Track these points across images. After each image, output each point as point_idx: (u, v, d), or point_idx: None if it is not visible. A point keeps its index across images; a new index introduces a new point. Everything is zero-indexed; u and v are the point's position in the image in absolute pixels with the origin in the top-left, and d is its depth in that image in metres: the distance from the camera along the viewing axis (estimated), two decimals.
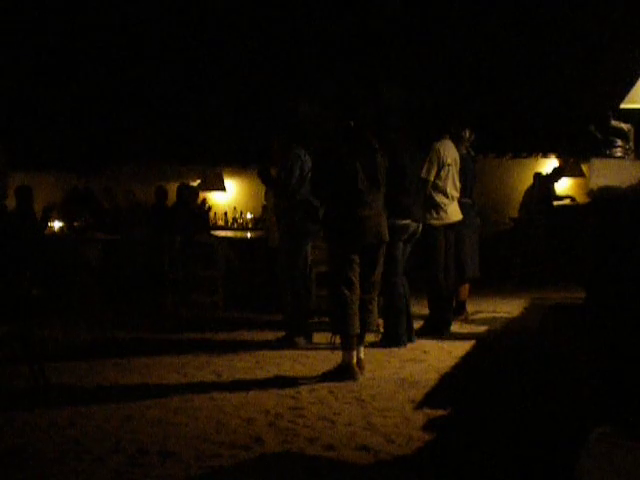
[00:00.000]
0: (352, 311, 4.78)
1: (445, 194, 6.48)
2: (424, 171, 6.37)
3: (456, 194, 6.61)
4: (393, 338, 5.87)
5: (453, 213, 6.57)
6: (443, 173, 6.45)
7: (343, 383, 4.65)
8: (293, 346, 5.93)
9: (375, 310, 5.03)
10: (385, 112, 6.07)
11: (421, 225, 6.07)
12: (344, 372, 4.78)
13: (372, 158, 4.91)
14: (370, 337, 5.97)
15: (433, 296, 6.52)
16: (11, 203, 7.75)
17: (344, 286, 4.77)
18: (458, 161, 6.62)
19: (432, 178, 6.40)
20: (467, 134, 7.03)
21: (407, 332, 5.97)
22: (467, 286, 7.21)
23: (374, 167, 4.90)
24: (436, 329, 6.37)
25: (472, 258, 7.17)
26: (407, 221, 5.88)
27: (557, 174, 11.01)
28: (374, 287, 4.97)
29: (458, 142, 6.85)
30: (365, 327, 4.92)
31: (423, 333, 6.33)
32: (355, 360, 4.82)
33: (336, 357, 5.43)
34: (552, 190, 10.91)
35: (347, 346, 4.80)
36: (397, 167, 5.89)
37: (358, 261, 4.83)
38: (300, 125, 6.21)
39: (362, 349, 4.96)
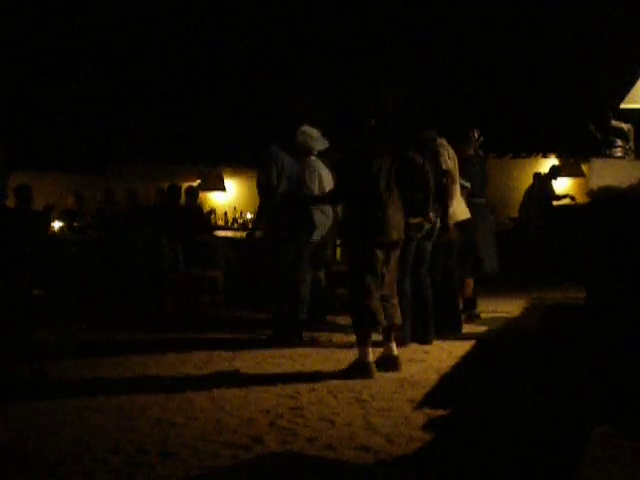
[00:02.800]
0: (375, 307, 4.84)
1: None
2: (443, 164, 6.29)
3: (458, 191, 6.56)
4: (397, 339, 5.84)
5: (461, 212, 6.51)
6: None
7: (343, 383, 4.65)
8: (279, 346, 5.88)
9: (397, 305, 5.09)
10: (390, 112, 6.07)
11: (438, 221, 6.04)
12: (359, 369, 4.80)
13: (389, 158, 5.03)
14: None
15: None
16: (10, 203, 7.75)
17: (369, 282, 4.83)
18: (456, 159, 6.58)
19: (451, 167, 6.34)
20: (476, 135, 7.03)
21: (423, 332, 5.96)
22: (471, 283, 7.19)
23: (392, 167, 5.04)
24: (437, 328, 6.34)
25: (490, 256, 7.19)
26: (420, 219, 5.86)
27: (554, 173, 11.01)
28: (392, 284, 5.06)
29: (467, 143, 6.85)
30: (392, 322, 5.00)
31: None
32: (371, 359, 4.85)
33: (335, 356, 5.44)
34: (551, 189, 10.91)
35: (362, 342, 4.83)
36: (410, 166, 5.88)
37: (381, 258, 4.92)
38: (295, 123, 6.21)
39: (394, 345, 5.01)
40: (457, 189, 6.57)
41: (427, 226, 5.89)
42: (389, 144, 5.11)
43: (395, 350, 5.01)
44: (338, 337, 6.32)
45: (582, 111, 9.49)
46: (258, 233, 8.14)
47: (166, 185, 9.60)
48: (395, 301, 5.08)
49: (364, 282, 4.84)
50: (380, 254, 4.89)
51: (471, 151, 7.00)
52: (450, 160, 6.44)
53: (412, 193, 5.77)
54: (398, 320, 5.06)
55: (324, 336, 6.35)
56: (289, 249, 6.11)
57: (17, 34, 10.47)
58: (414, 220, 5.80)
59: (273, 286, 6.18)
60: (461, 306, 6.99)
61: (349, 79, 10.47)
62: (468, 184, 6.84)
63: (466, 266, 6.94)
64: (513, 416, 3.89)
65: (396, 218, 4.98)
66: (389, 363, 4.95)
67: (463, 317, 6.83)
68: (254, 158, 6.52)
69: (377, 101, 5.87)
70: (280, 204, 6.07)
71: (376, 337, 5.11)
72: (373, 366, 4.83)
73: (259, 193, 6.22)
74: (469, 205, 6.76)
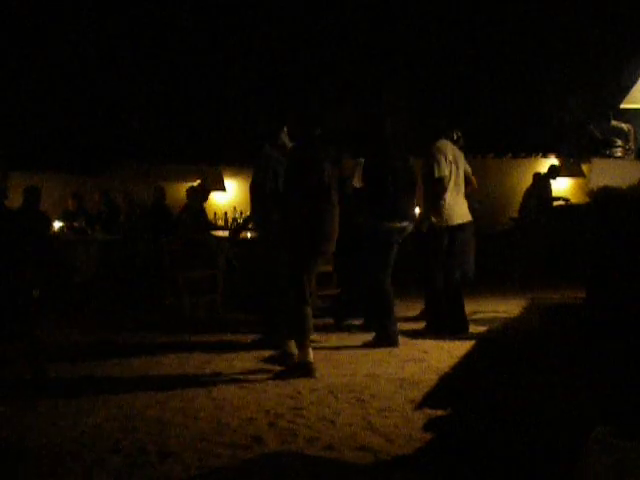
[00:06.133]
0: (309, 312, 4.94)
1: (451, 192, 6.42)
2: (436, 171, 6.26)
3: (461, 192, 6.52)
4: (385, 338, 5.85)
5: (462, 214, 6.48)
6: (447, 171, 6.39)
7: (343, 383, 4.66)
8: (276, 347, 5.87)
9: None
10: (384, 115, 6.08)
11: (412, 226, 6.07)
12: (301, 369, 4.87)
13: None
14: (364, 337, 6.00)
15: (430, 298, 6.48)
16: (12, 203, 7.74)
17: (306, 290, 4.94)
18: (459, 160, 6.55)
19: (447, 174, 6.31)
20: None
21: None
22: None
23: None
24: (437, 329, 6.34)
25: (468, 261, 7.17)
26: (405, 223, 5.88)
27: (553, 172, 11.01)
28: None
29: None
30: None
31: (425, 333, 6.32)
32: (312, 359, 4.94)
33: (335, 356, 5.44)
34: (549, 189, 10.90)
35: (303, 345, 4.92)
36: (391, 170, 5.90)
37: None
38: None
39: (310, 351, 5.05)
40: (461, 189, 6.54)
41: (408, 230, 5.93)
42: (334, 152, 5.19)
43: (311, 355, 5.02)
44: (338, 337, 6.32)
45: (582, 111, 9.50)
46: (244, 233, 8.10)
47: (165, 185, 9.63)
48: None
49: (304, 289, 4.93)
50: (316, 263, 5.01)
51: None
52: (452, 162, 6.41)
53: (394, 197, 5.81)
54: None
55: (323, 336, 6.35)
56: (280, 251, 6.09)
57: (17, 35, 10.47)
58: (397, 224, 5.83)
59: (265, 287, 6.18)
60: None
61: (351, 81, 10.48)
62: None
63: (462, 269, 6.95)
64: (513, 416, 3.89)
65: (334, 228, 5.06)
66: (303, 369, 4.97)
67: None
68: (250, 158, 6.47)
69: (379, 103, 5.88)
70: (274, 206, 6.04)
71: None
72: (313, 365, 4.90)
73: (252, 194, 6.19)
74: None
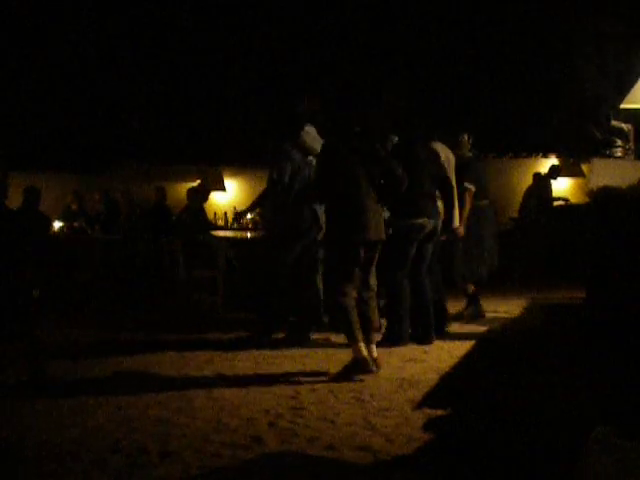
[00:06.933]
0: (352, 307, 4.82)
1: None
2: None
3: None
4: (394, 338, 5.84)
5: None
6: None
7: (344, 383, 4.65)
8: (266, 346, 5.87)
9: (376, 307, 5.06)
10: (398, 114, 6.09)
11: (440, 223, 6.03)
12: (358, 366, 4.75)
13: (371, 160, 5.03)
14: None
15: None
16: (12, 203, 7.74)
17: (346, 283, 4.82)
18: (452, 161, 6.58)
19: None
20: (466, 138, 7.03)
21: (423, 332, 5.95)
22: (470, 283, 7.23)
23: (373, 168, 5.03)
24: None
25: (493, 252, 7.29)
26: (423, 220, 5.85)
27: (554, 172, 11.02)
28: (372, 285, 5.01)
29: (457, 147, 6.85)
30: (370, 325, 4.95)
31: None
32: (366, 354, 4.80)
33: (335, 356, 5.44)
34: (549, 189, 10.91)
35: (353, 339, 4.78)
36: (412, 167, 5.88)
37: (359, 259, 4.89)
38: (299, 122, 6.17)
39: (374, 347, 4.96)
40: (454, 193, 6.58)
41: (429, 227, 5.88)
42: (373, 148, 5.12)
43: (374, 351, 4.94)
44: (338, 337, 6.32)
45: (582, 111, 9.50)
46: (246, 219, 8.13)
47: (165, 185, 9.62)
48: (374, 303, 5.04)
49: (341, 281, 4.84)
50: (358, 254, 4.86)
51: (468, 153, 7.00)
52: (445, 162, 6.43)
53: (412, 194, 5.78)
54: (375, 322, 5.01)
55: (324, 336, 6.35)
56: (294, 249, 6.06)
57: (17, 35, 10.48)
58: (416, 221, 5.81)
59: (271, 285, 6.14)
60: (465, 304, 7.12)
61: (351, 80, 10.49)
62: (472, 186, 6.84)
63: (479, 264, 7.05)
64: (513, 416, 3.89)
65: (375, 219, 4.95)
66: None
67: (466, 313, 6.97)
68: (265, 156, 6.43)
69: (379, 103, 5.88)
70: (293, 203, 6.00)
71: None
72: (370, 360, 4.78)
73: (268, 188, 6.15)
74: (474, 208, 6.80)
